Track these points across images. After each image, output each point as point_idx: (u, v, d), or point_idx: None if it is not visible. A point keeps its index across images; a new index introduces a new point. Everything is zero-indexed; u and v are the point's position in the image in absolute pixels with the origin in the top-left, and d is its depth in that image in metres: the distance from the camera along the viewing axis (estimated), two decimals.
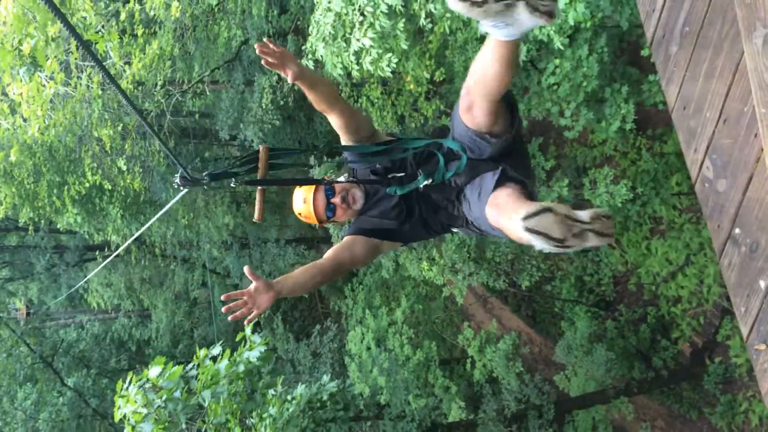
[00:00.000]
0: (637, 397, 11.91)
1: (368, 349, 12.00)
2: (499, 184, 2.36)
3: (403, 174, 2.75)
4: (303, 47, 6.10)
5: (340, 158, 3.08)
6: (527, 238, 1.83)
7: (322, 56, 5.63)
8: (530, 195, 2.37)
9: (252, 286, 2.28)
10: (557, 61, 7.65)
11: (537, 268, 10.75)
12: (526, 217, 1.82)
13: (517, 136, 2.52)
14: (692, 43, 1.88)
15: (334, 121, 2.78)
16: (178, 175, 2.61)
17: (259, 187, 2.76)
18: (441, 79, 9.37)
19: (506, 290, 14.54)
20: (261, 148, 2.72)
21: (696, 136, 1.90)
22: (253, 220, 2.85)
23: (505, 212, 2.13)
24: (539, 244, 1.82)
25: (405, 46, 5.30)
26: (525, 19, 1.88)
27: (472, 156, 2.56)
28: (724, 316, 10.75)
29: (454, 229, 2.87)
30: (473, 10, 1.86)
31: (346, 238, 2.75)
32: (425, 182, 2.68)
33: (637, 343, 12.07)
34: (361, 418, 11.54)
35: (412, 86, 9.61)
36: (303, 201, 2.80)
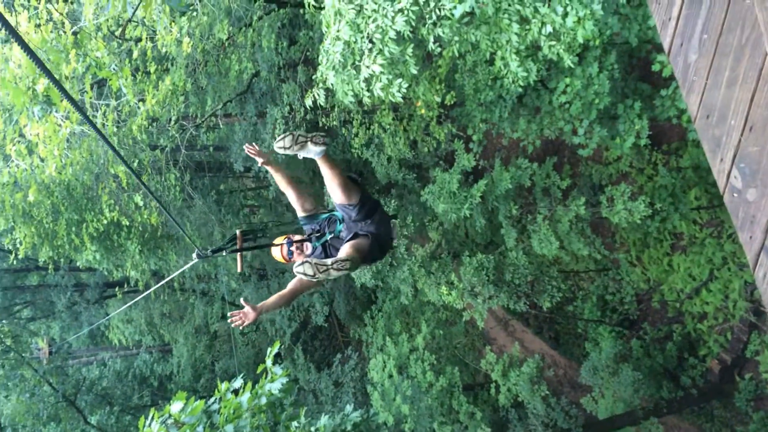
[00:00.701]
0: (668, 417, 11.62)
1: (390, 376, 11.85)
2: (350, 239, 4.16)
3: (319, 233, 4.49)
4: (313, 77, 6.13)
5: (297, 225, 4.96)
6: (298, 275, 3.55)
7: (332, 85, 5.66)
8: (368, 246, 4.11)
9: (244, 309, 3.97)
10: (568, 80, 7.63)
11: (558, 288, 10.57)
12: (296, 266, 3.52)
13: (366, 199, 4.20)
14: (712, 50, 1.84)
15: (290, 196, 4.51)
16: (195, 253, 4.26)
17: (239, 253, 4.60)
18: (452, 102, 9.38)
19: (527, 312, 14.35)
20: (237, 232, 4.55)
21: (721, 145, 1.84)
22: (237, 271, 4.78)
23: None
24: (304, 277, 3.51)
25: (414, 71, 5.31)
26: (314, 148, 3.89)
27: (348, 219, 4.32)
28: (751, 331, 10.51)
29: None
30: (288, 150, 3.86)
31: None
32: (330, 236, 4.43)
33: (664, 362, 11.82)
34: None
35: (423, 111, 9.63)
36: (276, 250, 4.53)
